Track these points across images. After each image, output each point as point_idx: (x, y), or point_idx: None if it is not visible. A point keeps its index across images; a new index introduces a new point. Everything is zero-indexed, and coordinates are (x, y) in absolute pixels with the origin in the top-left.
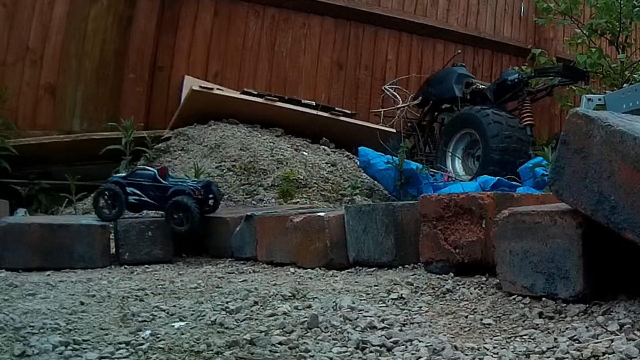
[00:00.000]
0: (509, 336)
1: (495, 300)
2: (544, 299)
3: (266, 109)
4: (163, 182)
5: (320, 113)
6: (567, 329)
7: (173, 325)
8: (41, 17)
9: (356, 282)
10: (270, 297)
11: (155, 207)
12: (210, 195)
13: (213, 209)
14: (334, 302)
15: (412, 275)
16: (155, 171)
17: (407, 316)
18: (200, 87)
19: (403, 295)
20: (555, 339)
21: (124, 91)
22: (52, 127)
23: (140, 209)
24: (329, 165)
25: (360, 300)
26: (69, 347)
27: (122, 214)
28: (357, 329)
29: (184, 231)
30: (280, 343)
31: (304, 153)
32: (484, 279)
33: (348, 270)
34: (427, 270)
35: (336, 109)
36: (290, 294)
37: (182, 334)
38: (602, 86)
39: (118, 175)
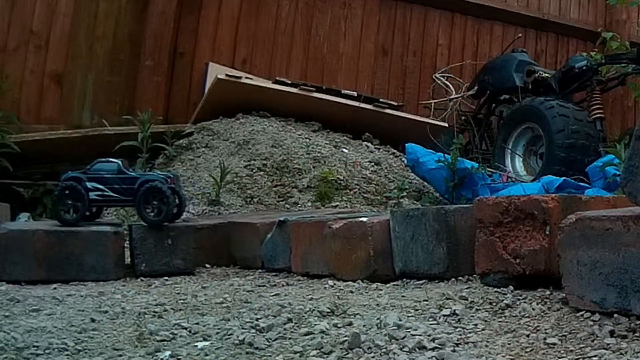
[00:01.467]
0: (576, 357)
1: (561, 317)
2: (615, 315)
3: (301, 100)
4: (129, 172)
5: (362, 105)
6: None
7: (196, 346)
8: None
9: (403, 296)
10: (305, 313)
11: (122, 202)
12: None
13: (178, 213)
14: (378, 319)
15: (467, 288)
16: (119, 162)
17: (460, 335)
18: (227, 75)
19: (456, 311)
20: None
21: (140, 80)
22: (59, 121)
23: (103, 205)
24: (373, 164)
25: (408, 316)
26: None
27: (85, 214)
28: (404, 349)
29: (159, 221)
30: None
31: (344, 150)
32: (548, 292)
33: (394, 283)
34: (484, 282)
35: (380, 100)
36: (328, 310)
37: (206, 355)
38: None
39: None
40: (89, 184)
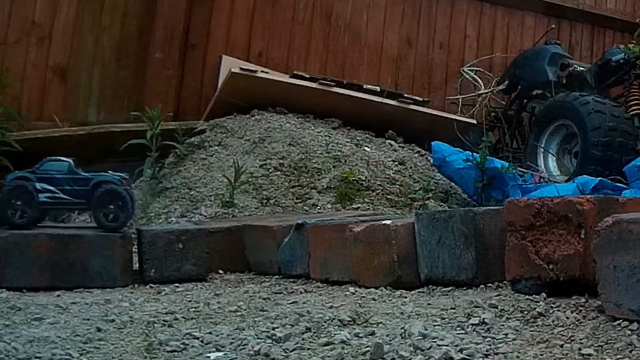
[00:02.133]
0: None
1: (597, 326)
2: None
3: (320, 95)
4: (81, 173)
5: (385, 101)
6: None
7: (208, 357)
8: None
9: (429, 304)
10: (325, 322)
11: (75, 205)
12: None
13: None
14: (402, 328)
15: (497, 295)
16: (70, 161)
17: (490, 345)
18: (241, 69)
19: (485, 320)
20: None
21: (149, 74)
22: (63, 118)
23: (54, 208)
24: (397, 163)
25: (434, 326)
26: None
27: (35, 217)
28: None
29: (118, 227)
30: None
31: (366, 149)
32: (583, 300)
33: (419, 290)
34: (515, 289)
35: (405, 95)
36: (349, 319)
37: None
38: None
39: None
40: (38, 185)
